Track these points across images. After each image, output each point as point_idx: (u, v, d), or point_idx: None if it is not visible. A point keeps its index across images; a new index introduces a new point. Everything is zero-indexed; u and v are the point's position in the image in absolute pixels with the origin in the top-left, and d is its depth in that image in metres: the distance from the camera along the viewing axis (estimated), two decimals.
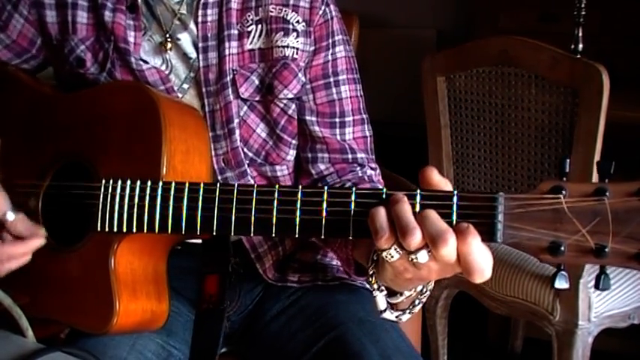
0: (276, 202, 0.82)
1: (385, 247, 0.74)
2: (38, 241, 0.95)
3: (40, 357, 0.84)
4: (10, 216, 0.93)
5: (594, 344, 1.74)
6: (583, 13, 2.16)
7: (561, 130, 1.64)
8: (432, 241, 0.71)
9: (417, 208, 0.74)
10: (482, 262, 0.70)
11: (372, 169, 1.16)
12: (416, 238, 0.71)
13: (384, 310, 0.81)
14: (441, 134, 1.88)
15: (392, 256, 0.74)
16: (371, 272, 0.81)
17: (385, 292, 0.81)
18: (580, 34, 2.17)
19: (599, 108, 1.55)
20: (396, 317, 0.82)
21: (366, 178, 1.13)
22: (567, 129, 1.63)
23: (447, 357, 2.09)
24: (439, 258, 0.71)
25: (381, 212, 0.74)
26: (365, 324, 1.03)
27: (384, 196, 0.77)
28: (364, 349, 0.97)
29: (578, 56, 1.95)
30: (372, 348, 0.97)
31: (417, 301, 0.81)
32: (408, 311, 0.82)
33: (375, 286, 0.80)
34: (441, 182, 0.76)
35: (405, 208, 0.73)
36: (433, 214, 0.72)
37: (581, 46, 2.17)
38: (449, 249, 0.70)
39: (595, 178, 1.61)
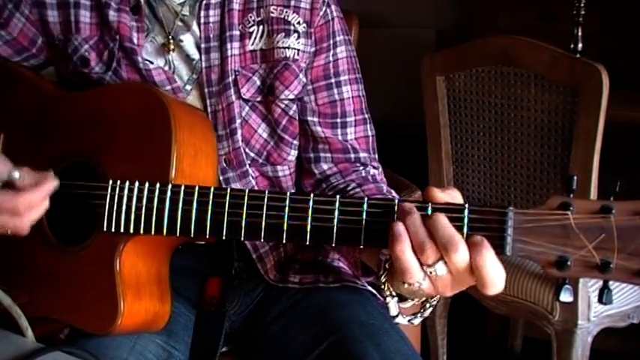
0: (287, 208, 0.82)
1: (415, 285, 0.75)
2: (51, 184, 0.93)
3: (39, 357, 0.84)
4: (16, 174, 0.93)
5: (594, 344, 1.74)
6: (582, 12, 2.16)
7: (561, 129, 1.65)
8: (443, 248, 0.72)
9: None
10: (496, 275, 0.72)
11: (374, 168, 1.16)
12: (431, 250, 0.73)
13: (397, 316, 0.82)
14: (440, 134, 1.88)
15: (420, 284, 0.75)
16: (383, 280, 0.81)
17: (397, 299, 0.82)
18: (580, 33, 2.17)
19: (598, 107, 1.55)
20: (408, 321, 0.83)
21: (369, 178, 1.13)
22: (567, 128, 1.63)
23: (447, 356, 2.09)
24: (451, 265, 0.73)
25: (406, 246, 0.75)
26: (367, 327, 1.02)
27: (396, 208, 0.78)
28: (366, 352, 0.97)
29: (578, 56, 1.95)
30: (373, 352, 0.97)
31: (427, 305, 0.82)
32: (419, 315, 0.83)
33: (388, 292, 0.81)
34: (445, 198, 0.77)
35: (417, 223, 0.74)
36: (442, 220, 0.74)
37: (580, 45, 2.17)
38: (460, 255, 0.72)
39: (595, 178, 1.62)
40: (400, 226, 0.75)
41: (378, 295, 1.14)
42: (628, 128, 1.98)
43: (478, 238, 0.72)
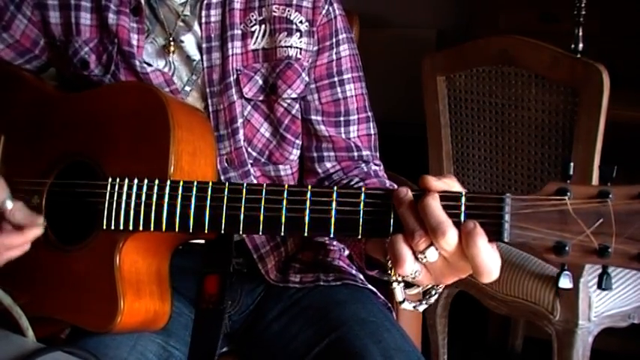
0: (285, 201, 0.82)
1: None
2: (36, 231, 0.94)
3: (40, 357, 0.84)
4: (9, 204, 0.93)
5: (594, 344, 1.74)
6: (583, 12, 2.17)
7: (561, 129, 1.64)
8: (432, 232, 0.72)
9: None
10: (490, 262, 0.72)
11: (376, 165, 1.17)
12: (420, 237, 0.73)
13: (402, 302, 0.82)
14: (441, 134, 1.88)
15: (414, 277, 0.76)
16: (390, 265, 0.81)
17: (403, 284, 0.82)
18: (580, 33, 2.17)
19: (599, 107, 1.55)
20: (414, 307, 0.83)
21: (371, 173, 1.14)
22: (567, 128, 1.63)
23: (447, 356, 2.09)
24: (442, 250, 0.73)
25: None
26: (367, 324, 1.02)
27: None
28: (366, 349, 0.97)
29: (578, 56, 1.95)
30: (374, 348, 0.97)
31: (433, 292, 0.82)
32: (424, 301, 0.83)
33: (394, 278, 0.81)
34: (442, 186, 0.76)
35: (408, 212, 0.74)
36: (432, 204, 0.73)
37: (581, 45, 2.17)
38: (448, 240, 0.71)
39: (595, 177, 1.62)
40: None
41: (379, 294, 1.14)
42: (628, 128, 1.98)
43: (470, 225, 0.71)
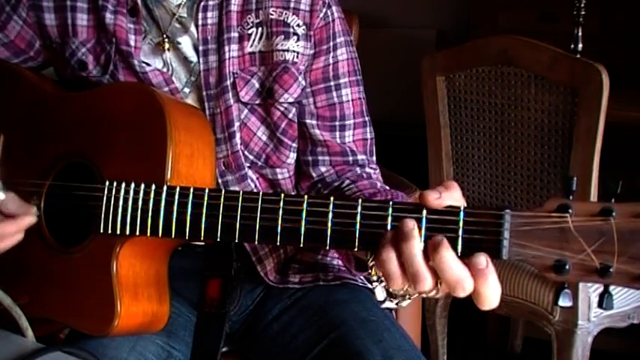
0: (281, 210, 0.81)
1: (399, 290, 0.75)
2: (29, 219, 0.94)
3: (39, 357, 0.84)
4: (1, 195, 0.93)
5: (594, 344, 1.74)
6: (582, 12, 2.17)
7: (561, 129, 1.65)
8: (411, 279, 0.72)
9: (423, 226, 0.74)
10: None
11: (371, 168, 1.16)
12: (427, 284, 0.72)
13: (384, 301, 0.81)
14: (440, 134, 1.88)
15: (409, 297, 0.75)
16: (371, 264, 0.80)
17: (384, 283, 0.80)
18: (580, 33, 2.17)
19: (598, 107, 1.55)
20: (396, 304, 0.82)
21: (364, 175, 1.13)
22: (567, 129, 1.63)
23: (447, 356, 2.09)
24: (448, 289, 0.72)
25: (392, 257, 0.74)
26: (367, 323, 1.02)
27: (390, 209, 0.76)
28: (366, 348, 0.97)
29: (578, 56, 1.95)
30: (374, 348, 0.97)
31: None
32: (407, 297, 0.81)
33: (375, 277, 0.81)
34: (442, 202, 0.75)
35: (414, 252, 0.72)
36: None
37: (580, 45, 2.17)
38: (424, 288, 0.72)
39: (595, 178, 1.62)
40: (389, 235, 0.74)
41: None
42: (628, 128, 1.98)
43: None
